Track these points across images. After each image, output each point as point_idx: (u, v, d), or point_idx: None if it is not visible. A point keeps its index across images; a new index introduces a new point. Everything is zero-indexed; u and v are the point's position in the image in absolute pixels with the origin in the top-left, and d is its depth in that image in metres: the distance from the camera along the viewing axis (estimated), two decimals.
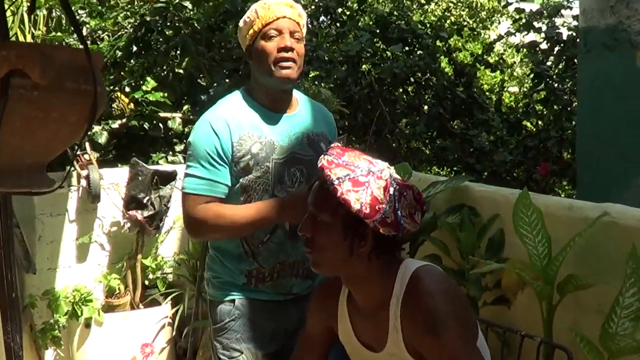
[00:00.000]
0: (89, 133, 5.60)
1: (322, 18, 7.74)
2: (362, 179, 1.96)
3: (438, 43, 6.98)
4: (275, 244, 2.69)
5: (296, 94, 2.85)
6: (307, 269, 2.73)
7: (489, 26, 11.31)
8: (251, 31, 2.66)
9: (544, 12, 8.09)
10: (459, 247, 3.52)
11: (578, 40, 6.94)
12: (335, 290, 2.28)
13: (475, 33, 9.84)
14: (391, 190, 1.99)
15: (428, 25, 7.32)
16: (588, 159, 5.02)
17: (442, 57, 7.23)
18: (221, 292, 2.76)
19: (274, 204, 2.59)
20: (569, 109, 6.93)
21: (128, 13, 6.77)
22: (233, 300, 2.72)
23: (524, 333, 2.69)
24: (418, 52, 6.75)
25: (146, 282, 5.27)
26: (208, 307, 2.85)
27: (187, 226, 2.72)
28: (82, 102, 1.42)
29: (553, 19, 7.94)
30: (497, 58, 8.98)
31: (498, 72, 8.46)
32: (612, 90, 4.69)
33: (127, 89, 6.16)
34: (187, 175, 2.64)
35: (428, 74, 6.78)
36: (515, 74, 10.96)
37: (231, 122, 2.61)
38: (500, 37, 8.80)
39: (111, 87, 6.51)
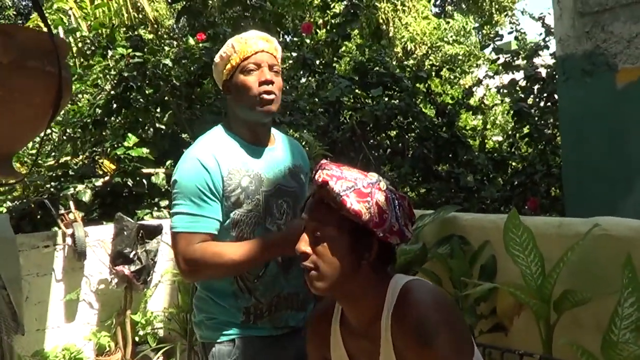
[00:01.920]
0: (72, 192, 5.66)
1: (301, 72, 7.80)
2: (365, 190, 1.99)
3: (417, 85, 7.02)
4: (271, 277, 2.62)
5: (272, 130, 2.83)
6: (301, 301, 2.70)
7: (467, 70, 11.42)
8: (229, 66, 2.64)
9: (521, 52, 8.19)
10: (451, 276, 3.46)
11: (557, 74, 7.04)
12: (327, 317, 2.25)
13: (453, 77, 9.93)
14: (391, 199, 2.02)
15: (407, 68, 7.36)
16: (575, 187, 5.00)
17: (423, 98, 7.26)
18: (218, 332, 2.64)
19: (277, 239, 2.55)
20: (553, 143, 6.95)
21: (107, 71, 6.76)
22: (232, 340, 2.61)
23: (522, 352, 2.62)
24: (398, 95, 6.77)
25: (136, 339, 5.20)
26: (202, 351, 2.73)
27: (182, 267, 2.55)
28: (46, 84, 1.38)
29: (532, 60, 8.02)
30: (477, 102, 9.04)
31: (480, 115, 8.51)
32: (593, 116, 4.70)
33: (109, 150, 6.12)
34: (176, 214, 2.53)
35: (410, 117, 6.78)
36: (497, 122, 11.04)
37: (219, 157, 2.55)
38: (479, 81, 8.87)
39: (93, 149, 6.51)
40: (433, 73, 7.24)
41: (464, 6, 23.71)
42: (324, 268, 2.00)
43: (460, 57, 11.36)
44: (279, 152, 2.78)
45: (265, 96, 2.60)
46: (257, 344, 2.63)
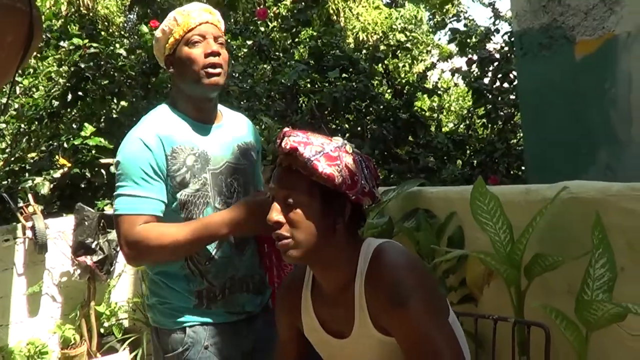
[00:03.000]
0: (30, 184, 5.56)
1: (257, 58, 7.75)
2: (333, 154, 1.98)
3: (375, 66, 7.01)
4: (224, 259, 2.56)
5: (219, 106, 2.76)
6: (256, 284, 2.66)
7: (418, 57, 11.45)
8: (171, 39, 2.55)
9: (473, 36, 8.25)
10: (418, 250, 3.45)
11: (511, 55, 7.08)
12: (298, 284, 2.23)
13: (407, 64, 9.95)
14: (358, 161, 2.02)
15: (364, 51, 7.35)
16: (537, 162, 5.03)
17: (380, 80, 7.26)
18: (171, 319, 2.56)
19: (224, 219, 2.45)
20: (512, 122, 7.00)
21: (62, 62, 6.65)
22: (184, 329, 2.54)
23: (496, 316, 2.61)
24: (355, 78, 6.75)
25: (102, 330, 5.13)
26: (155, 335, 2.64)
27: (126, 251, 2.45)
28: (18, 22, 1.33)
29: (484, 42, 8.08)
30: (432, 85, 9.07)
31: (435, 97, 8.54)
32: (552, 89, 4.72)
33: (66, 141, 6.01)
34: (118, 196, 2.45)
35: (368, 100, 6.77)
36: (452, 108, 11.11)
37: (162, 135, 2.47)
38: (433, 65, 8.92)
39: (49, 142, 6.41)
40: (390, 54, 7.24)
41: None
42: (298, 235, 1.98)
43: (409, 45, 11.36)
44: (227, 128, 2.71)
45: (211, 69, 2.53)
46: (211, 331, 2.57)
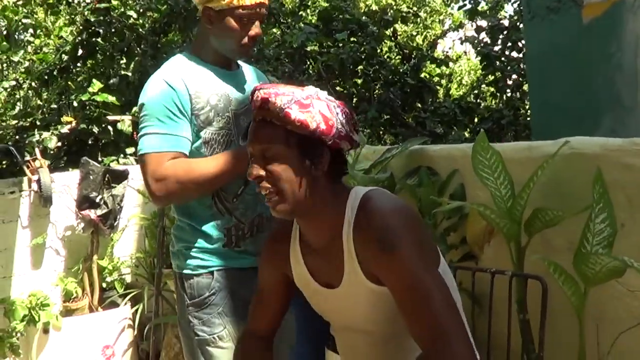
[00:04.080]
0: (38, 139, 5.57)
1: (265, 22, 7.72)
2: (305, 101, 1.95)
3: (384, 31, 6.96)
4: (251, 196, 2.56)
5: None
6: None
7: (430, 25, 11.38)
8: (221, 1, 2.48)
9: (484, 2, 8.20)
10: (419, 206, 3.45)
11: (521, 23, 7.03)
12: (286, 236, 2.21)
13: (416, 31, 9.89)
14: (332, 107, 1.99)
15: (372, 14, 7.29)
16: (543, 128, 5.01)
17: (388, 42, 7.23)
18: (197, 263, 2.56)
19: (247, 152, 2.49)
20: (520, 90, 6.96)
21: (72, 17, 6.64)
22: (212, 272, 2.54)
23: (494, 270, 2.62)
24: (363, 41, 6.71)
25: (104, 285, 5.15)
26: (180, 283, 2.62)
27: (153, 189, 2.43)
28: None
29: (495, 10, 8.03)
30: (442, 55, 9.03)
31: (444, 67, 8.50)
32: (560, 55, 4.70)
33: (74, 97, 6.01)
34: (144, 135, 2.45)
35: (376, 64, 6.73)
36: (464, 82, 11.03)
37: (186, 77, 2.49)
38: (444, 32, 8.87)
39: (59, 96, 6.41)
40: (399, 18, 7.18)
41: None
42: (282, 186, 1.96)
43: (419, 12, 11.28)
44: (243, 74, 2.73)
45: (246, 48, 2.56)
46: (237, 276, 2.57)
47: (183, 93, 2.46)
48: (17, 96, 7.23)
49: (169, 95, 2.44)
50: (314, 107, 1.95)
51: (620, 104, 4.27)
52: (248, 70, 2.81)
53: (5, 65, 7.27)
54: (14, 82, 6.82)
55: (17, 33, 7.17)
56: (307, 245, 2.14)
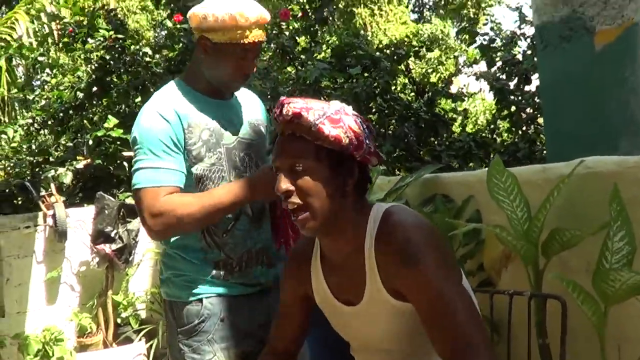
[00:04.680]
0: (53, 174, 5.59)
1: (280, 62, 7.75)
2: (335, 116, 1.94)
3: (397, 65, 6.98)
4: (241, 231, 2.56)
5: None
6: (270, 257, 2.65)
7: (444, 62, 11.43)
8: (219, 34, 2.47)
9: (498, 39, 8.20)
10: None
11: (534, 57, 7.02)
12: (307, 254, 2.21)
13: (431, 69, 9.92)
14: (359, 122, 1.99)
15: (385, 50, 7.31)
16: (556, 156, 4.95)
17: (402, 77, 7.24)
18: (187, 291, 2.55)
19: (244, 183, 2.47)
20: (536, 123, 6.94)
21: (88, 55, 6.71)
22: (200, 300, 2.54)
23: (512, 291, 2.57)
24: (377, 76, 6.71)
25: (118, 320, 5.14)
26: (169, 310, 2.62)
27: (149, 223, 2.41)
28: None
29: (509, 46, 8.02)
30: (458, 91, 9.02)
31: (460, 102, 8.48)
32: (572, 82, 4.65)
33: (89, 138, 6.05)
34: (138, 169, 2.43)
35: (390, 100, 6.74)
36: (479, 122, 11.01)
37: (179, 109, 2.47)
38: (458, 70, 8.88)
39: (74, 133, 6.47)
40: (412, 53, 7.20)
41: (442, 12, 23.76)
42: (311, 201, 1.95)
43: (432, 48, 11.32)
44: (239, 105, 2.72)
45: (239, 82, 2.60)
46: (227, 303, 2.57)
47: (176, 126, 2.45)
48: (33, 133, 7.30)
49: (163, 129, 2.43)
50: (344, 123, 1.94)
51: (635, 127, 4.22)
52: (242, 98, 2.78)
53: (21, 103, 7.37)
54: (30, 120, 6.89)
55: (33, 72, 7.26)
56: (328, 262, 2.13)
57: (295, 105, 1.95)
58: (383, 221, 1.98)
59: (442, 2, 24.68)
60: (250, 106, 2.78)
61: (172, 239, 2.58)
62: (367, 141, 1.98)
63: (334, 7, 7.54)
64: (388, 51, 7.03)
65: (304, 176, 1.94)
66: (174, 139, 2.43)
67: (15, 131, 6.71)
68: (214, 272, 2.55)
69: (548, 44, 4.87)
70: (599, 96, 4.50)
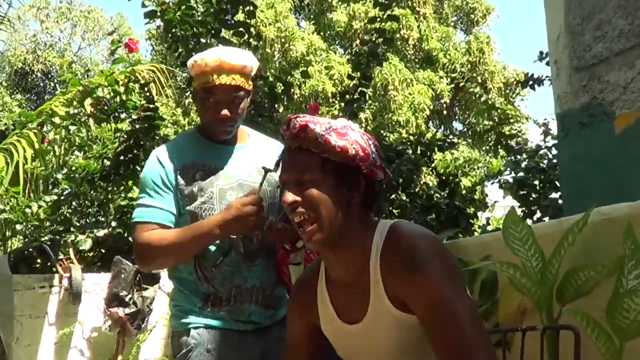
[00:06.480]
0: (73, 240, 5.63)
1: None
2: (341, 130, 2.01)
3: (419, 155, 7.07)
4: (230, 267, 2.69)
5: (247, 129, 2.95)
6: (267, 297, 2.74)
7: (468, 172, 11.53)
8: (195, 79, 2.73)
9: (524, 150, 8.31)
10: None
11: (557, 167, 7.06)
12: (312, 281, 2.23)
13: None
14: (365, 138, 2.05)
15: (408, 143, 7.41)
16: None
17: (424, 168, 7.32)
18: (179, 320, 2.72)
19: (214, 218, 2.61)
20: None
21: (117, 130, 6.89)
22: (189, 330, 2.68)
23: (524, 327, 2.54)
24: (400, 165, 6.78)
25: None
26: (171, 340, 2.82)
27: (135, 254, 2.74)
28: None
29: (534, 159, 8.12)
30: (481, 197, 9.07)
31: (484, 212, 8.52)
32: (593, 167, 4.70)
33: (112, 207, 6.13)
34: (136, 206, 2.73)
35: (412, 189, 6.79)
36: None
37: (176, 152, 2.72)
38: (482, 180, 8.96)
39: (98, 205, 6.55)
40: (436, 148, 7.29)
41: (469, 140, 23.98)
42: (319, 212, 1.99)
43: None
44: (250, 150, 2.87)
45: (220, 128, 2.74)
46: (215, 335, 2.68)
47: (169, 169, 2.69)
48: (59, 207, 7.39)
49: (157, 171, 2.70)
50: (350, 136, 2.00)
51: None
52: (258, 145, 2.93)
53: (48, 179, 7.50)
54: (55, 197, 7.00)
55: (63, 153, 7.42)
56: (333, 281, 2.14)
57: (302, 118, 2.02)
58: (389, 234, 2.01)
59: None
60: (266, 152, 2.87)
61: (173, 273, 2.81)
62: (374, 155, 2.03)
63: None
64: (412, 138, 7.14)
65: (310, 187, 1.99)
66: (164, 180, 2.68)
67: (40, 207, 6.82)
68: (202, 303, 2.69)
69: (569, 131, 4.94)
70: (620, 179, 4.52)
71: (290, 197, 2.00)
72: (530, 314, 3.00)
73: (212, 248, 2.68)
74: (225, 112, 2.67)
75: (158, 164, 2.69)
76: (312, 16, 24.75)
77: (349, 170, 1.99)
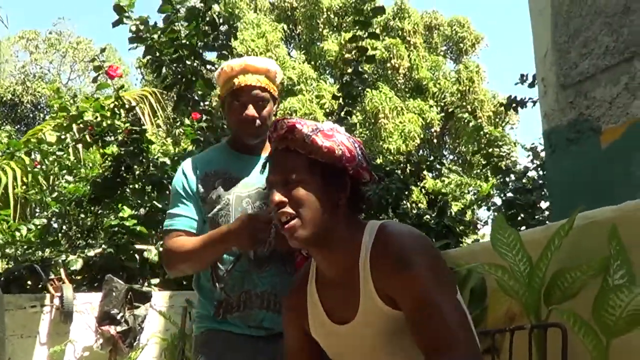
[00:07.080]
0: (64, 260, 5.63)
1: None
2: (328, 132, 2.06)
3: (408, 176, 7.10)
4: (239, 272, 2.73)
5: None
6: (279, 302, 2.72)
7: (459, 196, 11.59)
8: (221, 86, 2.84)
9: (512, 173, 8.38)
10: None
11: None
12: (303, 283, 2.26)
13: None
14: (351, 141, 2.10)
15: (398, 164, 7.47)
16: None
17: (413, 186, 7.35)
18: (196, 324, 2.85)
19: (223, 228, 2.68)
20: None
21: (104, 156, 6.90)
22: (202, 333, 2.79)
23: (512, 327, 2.57)
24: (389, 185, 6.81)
25: None
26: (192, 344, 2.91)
27: (162, 260, 2.95)
28: None
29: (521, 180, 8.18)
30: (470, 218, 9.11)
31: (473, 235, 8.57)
32: (581, 182, 4.73)
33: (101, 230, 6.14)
34: (167, 213, 2.87)
35: (400, 214, 6.81)
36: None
37: (199, 162, 2.83)
38: (472, 203, 9.01)
39: (87, 230, 6.54)
40: (424, 167, 7.34)
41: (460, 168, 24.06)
42: (304, 212, 2.02)
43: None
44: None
45: (246, 129, 2.80)
46: (227, 338, 2.74)
47: (191, 178, 2.81)
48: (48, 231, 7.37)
49: (181, 181, 2.83)
50: (336, 138, 2.04)
51: None
52: None
53: (38, 204, 7.51)
54: (44, 221, 7.01)
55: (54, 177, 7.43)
56: (323, 280, 2.16)
57: (289, 120, 2.07)
58: (378, 234, 2.04)
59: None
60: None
61: (195, 282, 2.89)
62: (360, 157, 2.07)
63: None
64: (400, 164, 7.18)
65: (297, 187, 2.03)
66: (187, 189, 2.79)
67: (29, 230, 6.83)
68: (214, 310, 2.76)
69: (556, 148, 4.98)
70: (607, 192, 4.55)
71: (277, 197, 2.03)
72: (518, 319, 3.02)
73: (226, 254, 2.76)
74: (250, 111, 2.75)
75: (181, 174, 2.82)
76: (302, 45, 24.92)
77: (335, 172, 2.03)
